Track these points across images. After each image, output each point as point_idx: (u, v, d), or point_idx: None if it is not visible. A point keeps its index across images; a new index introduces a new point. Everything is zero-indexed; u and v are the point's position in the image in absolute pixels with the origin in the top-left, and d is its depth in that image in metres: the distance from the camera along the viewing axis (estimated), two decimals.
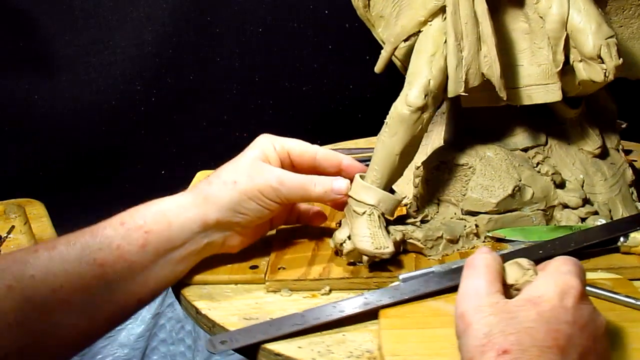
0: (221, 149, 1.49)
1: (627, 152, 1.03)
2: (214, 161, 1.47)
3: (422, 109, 0.76)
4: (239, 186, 0.74)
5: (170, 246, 0.73)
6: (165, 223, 0.72)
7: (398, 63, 0.88)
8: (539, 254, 0.75)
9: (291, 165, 0.80)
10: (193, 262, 0.76)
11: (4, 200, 1.17)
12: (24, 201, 1.16)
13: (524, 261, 0.61)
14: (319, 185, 0.77)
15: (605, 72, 0.77)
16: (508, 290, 0.60)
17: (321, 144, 1.18)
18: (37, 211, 1.14)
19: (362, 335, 0.68)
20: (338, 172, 0.81)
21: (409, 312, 0.69)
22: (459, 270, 0.72)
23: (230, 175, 0.75)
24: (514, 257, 0.63)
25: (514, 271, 0.60)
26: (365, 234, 0.76)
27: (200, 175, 1.12)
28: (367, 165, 1.03)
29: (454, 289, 0.71)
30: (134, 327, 1.32)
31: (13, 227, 1.09)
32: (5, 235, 1.07)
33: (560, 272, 0.58)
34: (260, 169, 0.76)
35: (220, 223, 0.75)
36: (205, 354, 1.34)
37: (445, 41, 0.77)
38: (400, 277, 0.73)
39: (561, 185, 0.85)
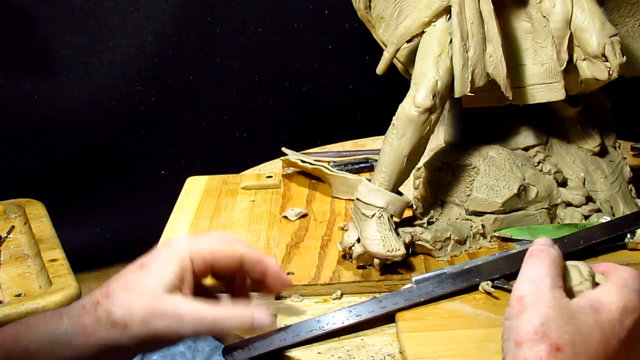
0: (221, 149, 1.50)
1: None
2: (214, 161, 1.49)
3: (431, 109, 0.77)
4: (130, 331, 0.61)
5: None
6: None
7: (399, 65, 0.88)
8: None
9: (211, 271, 0.67)
10: None
11: (4, 200, 1.16)
12: (24, 201, 1.16)
13: (585, 269, 0.59)
14: (235, 320, 0.63)
15: (609, 71, 0.77)
16: (564, 289, 0.58)
17: (321, 144, 1.19)
18: (37, 211, 1.13)
19: (381, 339, 0.68)
20: (262, 280, 0.68)
21: (427, 314, 0.69)
22: (471, 271, 0.73)
23: (122, 314, 0.61)
24: None
25: (574, 275, 0.58)
26: (375, 237, 0.75)
27: (190, 181, 1.07)
28: (351, 166, 1.04)
29: (468, 290, 0.72)
30: None
31: (13, 227, 1.09)
32: (5, 235, 1.06)
33: (627, 287, 0.56)
34: (161, 308, 0.61)
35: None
36: (205, 353, 1.34)
37: (451, 41, 0.78)
38: (413, 279, 0.73)
39: (563, 183, 0.85)
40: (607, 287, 0.56)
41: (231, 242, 0.67)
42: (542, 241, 0.60)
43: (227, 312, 0.63)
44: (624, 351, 0.54)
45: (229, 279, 0.69)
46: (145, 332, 0.61)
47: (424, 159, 0.85)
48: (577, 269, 0.59)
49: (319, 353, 0.66)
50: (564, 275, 0.58)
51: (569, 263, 0.60)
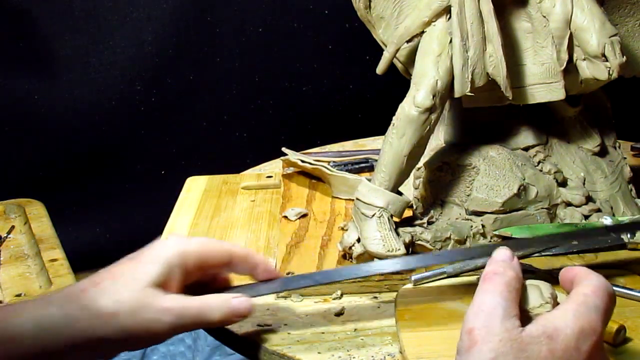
0: (221, 149, 1.50)
1: None
2: (214, 161, 1.49)
3: (431, 109, 0.77)
4: (118, 322, 0.60)
5: None
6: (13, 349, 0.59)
7: (399, 65, 0.88)
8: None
9: (200, 271, 0.68)
10: None
11: (4, 200, 1.17)
12: (24, 201, 1.16)
13: (546, 289, 0.55)
14: (216, 310, 0.64)
15: (609, 70, 0.77)
16: (522, 312, 0.54)
17: (321, 144, 1.19)
18: (37, 211, 1.14)
19: (381, 338, 0.68)
20: (252, 274, 0.70)
21: (426, 314, 0.69)
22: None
23: (111, 303, 0.60)
24: (532, 247, 0.60)
25: (533, 297, 0.55)
26: (375, 237, 0.76)
27: (190, 181, 1.07)
28: (348, 167, 1.05)
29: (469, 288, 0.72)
30: None
31: (13, 227, 1.09)
32: (5, 235, 1.07)
33: (586, 305, 0.52)
34: (147, 299, 0.61)
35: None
36: (205, 353, 1.34)
37: (451, 41, 0.78)
38: (413, 278, 0.73)
39: (563, 183, 0.85)
40: (563, 308, 0.52)
41: (218, 241, 0.69)
42: (499, 257, 0.56)
43: (208, 301, 0.64)
44: None
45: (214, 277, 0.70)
46: (133, 323, 0.60)
47: (424, 159, 0.85)
48: (538, 290, 0.55)
49: (318, 353, 0.66)
50: (523, 296, 0.54)
51: (530, 282, 0.56)
